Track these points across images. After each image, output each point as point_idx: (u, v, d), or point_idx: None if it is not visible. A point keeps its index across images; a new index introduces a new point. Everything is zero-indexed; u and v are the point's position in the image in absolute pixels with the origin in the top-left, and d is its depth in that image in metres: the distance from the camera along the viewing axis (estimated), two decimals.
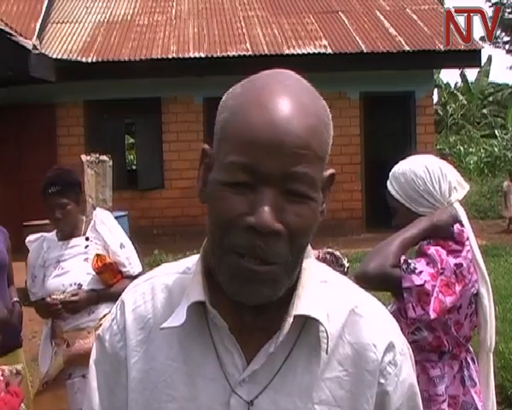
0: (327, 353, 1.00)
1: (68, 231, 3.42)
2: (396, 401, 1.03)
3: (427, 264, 2.14)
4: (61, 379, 3.28)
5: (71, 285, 3.30)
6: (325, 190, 1.02)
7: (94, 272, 3.30)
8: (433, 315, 2.09)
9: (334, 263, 2.78)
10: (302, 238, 0.96)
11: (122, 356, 1.06)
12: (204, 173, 1.03)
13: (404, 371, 1.04)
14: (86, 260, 3.34)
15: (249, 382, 0.99)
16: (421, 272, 2.11)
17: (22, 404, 2.83)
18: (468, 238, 2.24)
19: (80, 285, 3.30)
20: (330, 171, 1.02)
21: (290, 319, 0.98)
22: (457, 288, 2.15)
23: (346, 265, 2.81)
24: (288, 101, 0.94)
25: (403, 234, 2.20)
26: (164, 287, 1.07)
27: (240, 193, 0.93)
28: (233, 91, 1.00)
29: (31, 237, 3.56)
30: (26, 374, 3.65)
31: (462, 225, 2.25)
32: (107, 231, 3.44)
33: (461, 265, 2.17)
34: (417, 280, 2.09)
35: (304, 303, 0.99)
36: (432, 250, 2.16)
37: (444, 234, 2.22)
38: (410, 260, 2.14)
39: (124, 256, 3.39)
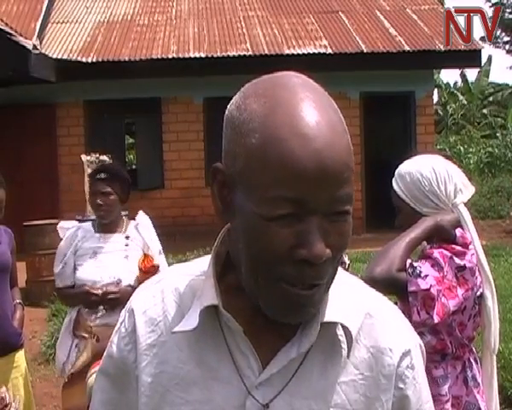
0: (348, 357, 0.99)
1: (106, 222, 3.47)
2: (416, 403, 1.04)
3: (432, 266, 2.13)
4: (86, 373, 3.30)
5: (110, 278, 3.34)
6: None
7: (134, 271, 3.36)
8: (436, 319, 2.08)
9: None
10: (342, 254, 0.96)
11: (130, 359, 1.05)
12: (220, 192, 0.98)
13: (421, 373, 1.05)
14: (126, 257, 3.39)
15: (265, 385, 0.98)
16: (426, 276, 2.10)
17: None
18: (471, 241, 2.23)
19: (120, 280, 3.35)
20: None
21: (318, 327, 0.98)
22: (460, 291, 2.14)
23: (347, 262, 2.83)
24: (323, 124, 0.91)
25: (407, 235, 2.18)
26: (174, 289, 1.06)
27: (287, 226, 0.91)
28: (250, 108, 0.94)
29: (63, 224, 3.63)
30: (27, 375, 3.65)
31: (463, 229, 2.24)
32: (149, 235, 3.52)
33: (463, 268, 2.16)
34: (423, 284, 2.08)
35: (330, 310, 0.99)
36: (436, 254, 2.15)
37: (446, 235, 2.21)
38: (415, 264, 2.13)
39: (161, 263, 3.46)
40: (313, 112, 0.92)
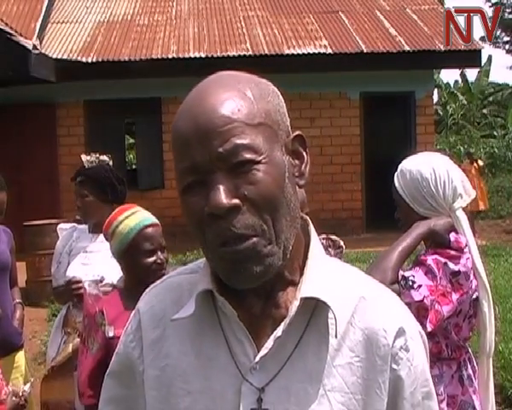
0: (336, 337, 1.00)
1: (90, 223, 3.53)
2: (410, 386, 1.04)
3: (426, 274, 2.12)
4: (68, 369, 3.31)
5: (94, 276, 3.36)
6: (298, 152, 1.05)
7: (119, 269, 3.37)
8: (430, 327, 2.07)
9: (332, 246, 2.87)
10: (267, 202, 0.96)
11: (135, 355, 1.09)
12: None
13: (417, 357, 1.04)
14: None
15: (260, 369, 1.00)
16: (419, 286, 2.09)
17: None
18: (466, 245, 2.21)
19: (103, 278, 3.37)
20: (295, 133, 1.05)
21: (297, 302, 0.99)
22: (454, 296, 2.13)
23: (343, 246, 2.94)
24: (205, 94, 0.99)
25: (399, 245, 2.16)
26: (176, 286, 1.11)
27: (197, 194, 0.97)
28: None
29: (62, 225, 3.73)
30: (27, 374, 3.65)
31: (457, 233, 2.23)
32: None
33: (458, 273, 2.15)
34: (416, 296, 2.07)
35: (311, 286, 1.00)
36: (430, 260, 2.14)
37: (440, 240, 2.20)
38: (407, 274, 2.12)
39: None
40: (200, 91, 1.01)
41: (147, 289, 1.16)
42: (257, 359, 1.00)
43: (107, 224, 2.64)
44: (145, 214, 2.64)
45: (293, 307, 0.99)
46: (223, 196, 0.94)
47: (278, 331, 0.99)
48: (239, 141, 0.95)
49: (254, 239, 0.95)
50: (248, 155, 0.95)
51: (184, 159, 0.97)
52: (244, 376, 1.00)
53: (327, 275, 1.04)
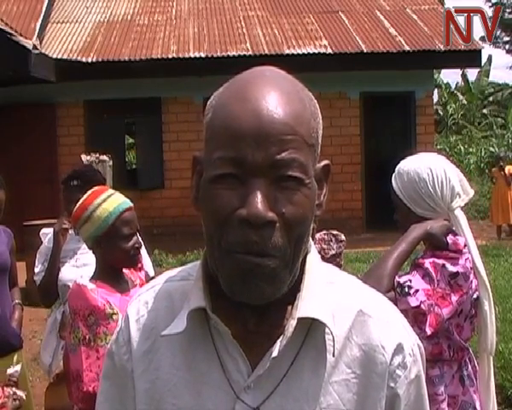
0: (334, 355, 0.97)
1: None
2: (406, 403, 1.02)
3: (423, 277, 2.11)
4: None
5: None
6: (321, 182, 1.01)
7: None
8: (429, 331, 2.06)
9: (333, 241, 2.87)
10: (299, 227, 0.93)
11: (128, 368, 1.05)
12: (197, 180, 1.00)
13: (413, 373, 1.02)
14: None
15: (255, 388, 0.97)
16: (416, 292, 2.07)
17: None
18: (465, 245, 2.20)
19: None
20: (324, 162, 1.01)
21: (294, 322, 0.96)
22: (454, 298, 2.12)
23: (345, 240, 2.95)
24: (269, 90, 0.94)
25: (395, 250, 2.15)
26: (166, 295, 1.06)
27: (230, 188, 0.92)
28: (217, 92, 1.00)
29: (45, 230, 3.65)
30: (27, 374, 3.64)
31: (454, 235, 2.22)
32: None
33: (456, 274, 2.14)
34: (413, 302, 2.06)
35: (308, 305, 0.97)
36: (427, 264, 2.13)
37: (437, 242, 2.19)
38: (403, 280, 2.10)
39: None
40: (264, 83, 0.95)
41: (134, 295, 1.12)
42: (252, 378, 0.97)
43: (80, 208, 2.48)
44: (121, 198, 2.53)
45: (290, 327, 0.96)
46: (263, 207, 0.89)
47: (274, 351, 0.96)
48: (297, 156, 0.91)
49: (275, 260, 0.92)
50: (299, 174, 0.92)
51: (230, 148, 0.91)
52: (238, 395, 0.97)
53: (324, 289, 1.01)
